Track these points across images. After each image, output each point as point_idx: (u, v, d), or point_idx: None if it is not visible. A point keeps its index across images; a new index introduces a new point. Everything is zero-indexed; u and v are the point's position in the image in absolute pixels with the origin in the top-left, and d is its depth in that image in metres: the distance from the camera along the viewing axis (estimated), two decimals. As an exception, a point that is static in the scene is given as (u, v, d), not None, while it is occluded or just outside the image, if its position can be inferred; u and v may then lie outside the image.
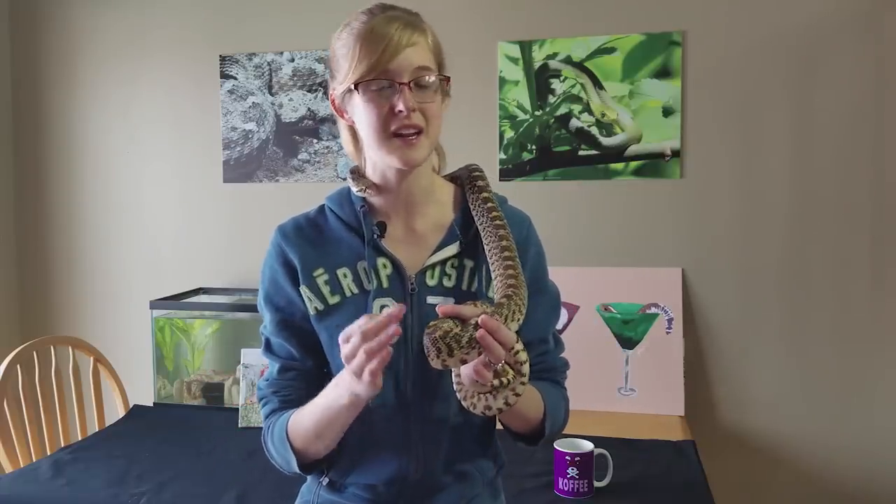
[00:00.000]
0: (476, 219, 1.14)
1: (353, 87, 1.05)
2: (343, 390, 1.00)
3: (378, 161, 1.11)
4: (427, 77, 1.06)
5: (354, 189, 1.14)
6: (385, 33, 1.03)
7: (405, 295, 1.10)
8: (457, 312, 0.95)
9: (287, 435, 1.09)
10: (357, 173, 1.16)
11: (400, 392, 1.10)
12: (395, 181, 1.12)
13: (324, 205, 1.19)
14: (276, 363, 1.16)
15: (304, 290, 1.12)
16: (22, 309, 2.99)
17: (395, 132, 1.05)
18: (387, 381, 1.03)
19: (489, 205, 1.13)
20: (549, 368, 1.18)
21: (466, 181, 1.19)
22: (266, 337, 1.17)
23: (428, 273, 1.12)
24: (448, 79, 1.10)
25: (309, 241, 1.14)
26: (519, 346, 0.97)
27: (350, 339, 0.94)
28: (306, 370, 1.15)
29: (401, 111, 1.03)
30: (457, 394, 1.02)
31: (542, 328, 1.17)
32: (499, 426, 1.20)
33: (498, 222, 1.10)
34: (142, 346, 2.72)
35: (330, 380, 1.05)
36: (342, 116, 1.13)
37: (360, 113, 1.07)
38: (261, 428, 1.17)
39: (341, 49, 1.08)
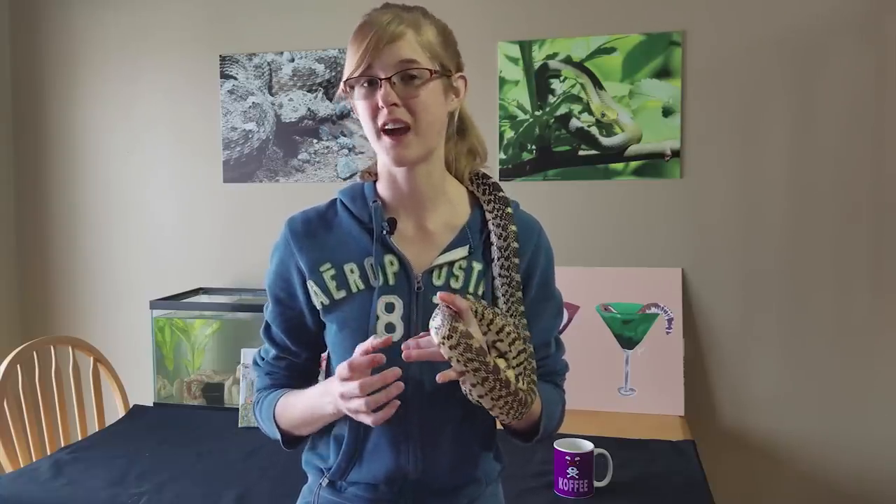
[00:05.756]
0: (495, 232, 1.13)
1: (343, 84, 1.07)
2: (330, 401, 1.04)
3: (380, 157, 1.13)
4: (410, 70, 1.03)
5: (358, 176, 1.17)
6: (370, 30, 1.03)
7: (410, 293, 1.09)
8: (452, 300, 0.98)
9: (274, 415, 1.15)
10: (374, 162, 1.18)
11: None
12: (400, 177, 1.12)
13: (335, 199, 1.18)
14: (272, 349, 1.20)
15: (310, 284, 1.12)
16: (22, 309, 2.99)
17: (382, 129, 1.05)
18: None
19: (512, 228, 1.13)
20: (549, 372, 1.19)
21: (487, 187, 1.18)
22: (267, 321, 1.19)
23: (435, 273, 1.11)
24: (435, 72, 1.06)
25: (317, 236, 1.14)
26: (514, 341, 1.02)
27: (349, 379, 0.98)
28: (300, 363, 1.19)
29: (380, 107, 1.03)
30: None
31: (547, 333, 1.18)
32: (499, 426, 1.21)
33: (514, 244, 1.12)
34: (142, 346, 2.72)
35: (321, 368, 1.10)
36: (355, 112, 1.13)
37: (358, 110, 1.08)
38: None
39: (348, 46, 1.08)
